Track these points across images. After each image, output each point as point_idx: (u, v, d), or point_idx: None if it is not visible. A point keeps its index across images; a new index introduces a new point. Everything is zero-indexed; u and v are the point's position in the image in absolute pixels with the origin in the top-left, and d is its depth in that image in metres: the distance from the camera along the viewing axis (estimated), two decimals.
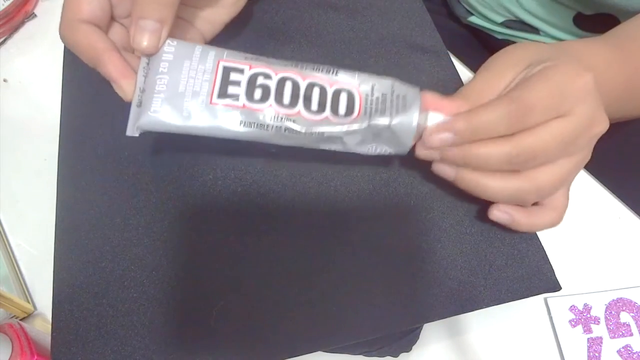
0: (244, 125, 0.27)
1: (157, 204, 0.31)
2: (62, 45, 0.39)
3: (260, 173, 0.33)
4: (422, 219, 0.32)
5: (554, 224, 0.32)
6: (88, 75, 0.37)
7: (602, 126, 0.30)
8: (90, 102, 0.35)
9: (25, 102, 0.46)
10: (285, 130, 0.27)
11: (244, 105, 0.27)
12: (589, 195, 0.43)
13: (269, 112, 0.27)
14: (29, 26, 0.51)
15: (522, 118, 0.28)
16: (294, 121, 0.27)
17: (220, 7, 0.33)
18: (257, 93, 0.27)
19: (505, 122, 0.28)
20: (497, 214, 0.31)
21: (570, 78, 0.29)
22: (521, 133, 0.28)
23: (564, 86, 0.28)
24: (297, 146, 0.28)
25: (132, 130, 0.27)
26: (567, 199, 0.32)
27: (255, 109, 0.27)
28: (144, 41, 0.27)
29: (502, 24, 0.55)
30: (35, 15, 0.52)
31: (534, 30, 0.54)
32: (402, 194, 0.33)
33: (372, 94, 0.28)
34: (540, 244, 0.32)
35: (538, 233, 0.32)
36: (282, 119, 0.27)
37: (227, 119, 0.27)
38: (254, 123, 0.27)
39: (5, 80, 0.47)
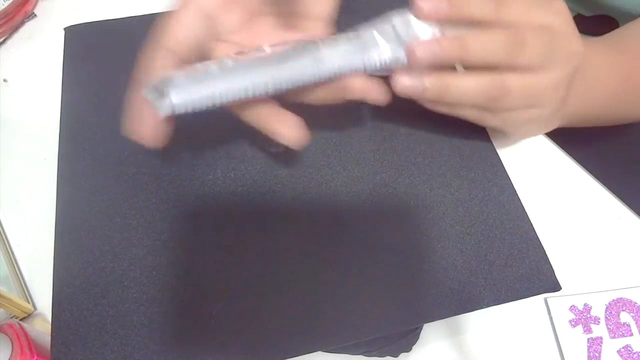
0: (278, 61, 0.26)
1: (157, 204, 0.31)
2: (62, 45, 0.39)
3: (260, 173, 0.33)
4: (422, 219, 0.32)
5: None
6: (88, 75, 0.37)
7: (580, 47, 0.30)
8: (90, 102, 0.35)
9: (25, 102, 0.46)
10: (304, 49, 0.27)
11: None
12: (589, 195, 0.43)
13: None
14: (29, 26, 0.51)
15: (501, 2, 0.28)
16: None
17: None
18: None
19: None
20: (403, 79, 0.29)
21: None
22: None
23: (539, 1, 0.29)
24: (314, 75, 0.27)
25: (166, 110, 0.25)
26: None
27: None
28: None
29: None
30: (35, 15, 0.52)
31: None
32: (402, 194, 0.33)
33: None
34: (540, 244, 0.32)
35: (538, 233, 0.32)
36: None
37: (257, 67, 0.26)
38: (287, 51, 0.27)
39: (5, 80, 0.47)
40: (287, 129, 0.28)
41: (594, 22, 0.48)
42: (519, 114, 0.31)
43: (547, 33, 0.29)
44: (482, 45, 0.28)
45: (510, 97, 0.29)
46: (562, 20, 0.29)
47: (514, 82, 0.29)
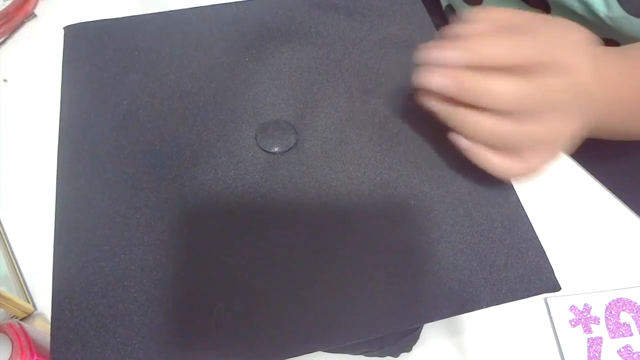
0: None
1: (157, 203, 0.31)
2: (62, 45, 0.39)
3: (260, 173, 0.33)
4: (422, 219, 0.32)
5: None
6: (87, 74, 0.37)
7: (584, 77, 0.30)
8: (90, 101, 0.35)
9: (25, 102, 0.46)
10: None
11: None
12: (589, 195, 0.43)
13: None
14: (29, 26, 0.51)
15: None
16: None
17: None
18: None
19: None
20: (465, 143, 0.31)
21: (567, 29, 0.30)
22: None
23: (560, 32, 0.30)
24: None
25: None
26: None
27: None
28: None
29: None
30: (35, 15, 0.52)
31: None
32: (402, 194, 0.33)
33: None
34: (540, 244, 0.32)
35: (538, 233, 0.33)
36: None
37: None
38: None
39: (5, 80, 0.47)
40: None
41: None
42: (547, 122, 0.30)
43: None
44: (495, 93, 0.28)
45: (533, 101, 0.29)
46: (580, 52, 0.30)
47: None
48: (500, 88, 0.28)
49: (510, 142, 0.30)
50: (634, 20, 0.42)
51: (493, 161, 0.31)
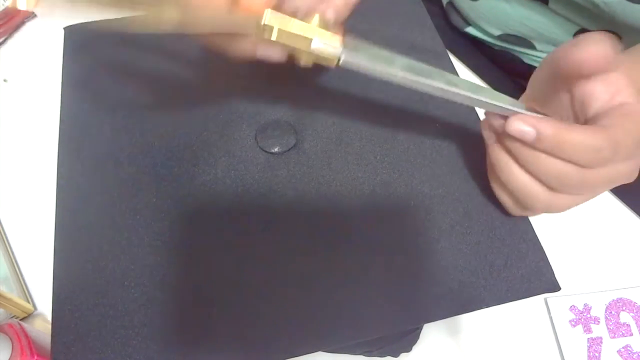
0: None
1: (157, 204, 0.31)
2: (62, 45, 0.39)
3: (260, 173, 0.33)
4: (422, 220, 0.32)
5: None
6: (87, 74, 0.37)
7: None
8: (90, 101, 0.35)
9: (25, 102, 0.46)
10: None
11: None
12: None
13: None
14: (29, 26, 0.51)
15: (607, 156, 0.27)
16: None
17: None
18: None
19: (591, 154, 0.27)
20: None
21: None
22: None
23: None
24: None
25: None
26: None
27: None
28: None
29: (499, 37, 0.55)
30: (35, 15, 0.52)
31: (531, 45, 0.54)
32: (402, 194, 0.33)
33: None
34: (540, 244, 0.32)
35: (538, 233, 0.32)
36: None
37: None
38: None
39: (5, 80, 0.47)
40: None
41: None
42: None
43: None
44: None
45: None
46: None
47: None
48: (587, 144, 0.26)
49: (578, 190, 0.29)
50: (627, 5, 0.42)
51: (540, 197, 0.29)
